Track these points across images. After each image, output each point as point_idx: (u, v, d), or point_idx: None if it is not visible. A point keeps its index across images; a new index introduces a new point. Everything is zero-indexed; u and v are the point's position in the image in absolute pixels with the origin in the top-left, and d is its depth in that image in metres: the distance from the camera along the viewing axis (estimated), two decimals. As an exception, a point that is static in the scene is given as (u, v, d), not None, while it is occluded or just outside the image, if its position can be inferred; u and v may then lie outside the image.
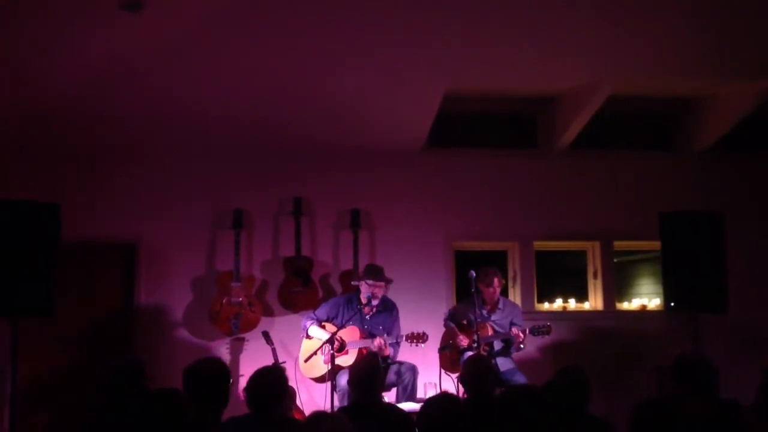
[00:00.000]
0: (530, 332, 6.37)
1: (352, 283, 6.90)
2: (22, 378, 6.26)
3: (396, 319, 6.63)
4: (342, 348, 6.26)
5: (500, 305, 6.76)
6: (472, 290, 6.31)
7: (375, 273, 6.52)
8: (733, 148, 7.85)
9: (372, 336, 6.32)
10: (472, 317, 6.27)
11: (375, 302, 6.43)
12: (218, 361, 4.14)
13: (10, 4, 5.28)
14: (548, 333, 6.44)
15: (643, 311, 7.92)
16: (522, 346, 6.49)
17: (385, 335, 6.29)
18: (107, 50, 6.02)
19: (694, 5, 6.06)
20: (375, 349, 6.19)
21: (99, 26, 5.70)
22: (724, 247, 6.54)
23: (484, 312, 6.68)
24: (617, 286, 8.02)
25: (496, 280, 6.65)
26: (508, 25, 6.09)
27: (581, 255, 8.03)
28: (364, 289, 6.49)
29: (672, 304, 6.65)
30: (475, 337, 6.19)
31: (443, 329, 6.82)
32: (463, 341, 6.46)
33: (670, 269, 6.68)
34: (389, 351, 6.31)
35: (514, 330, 6.40)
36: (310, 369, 6.44)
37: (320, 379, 6.38)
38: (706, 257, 6.50)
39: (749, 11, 6.15)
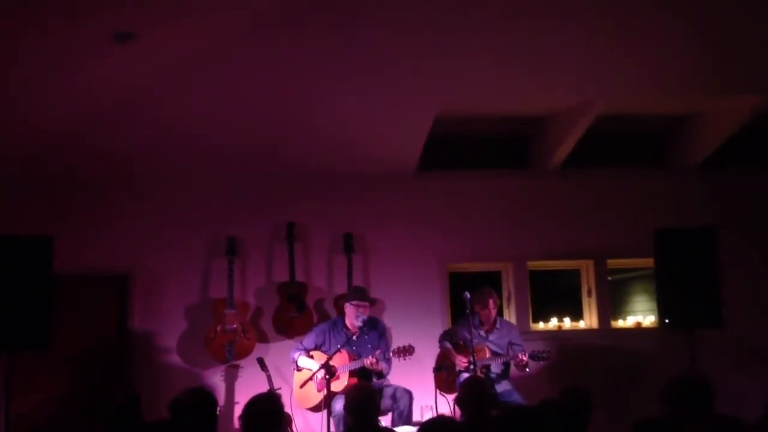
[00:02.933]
0: (530, 357, 6.34)
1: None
2: (16, 411, 6.22)
3: (383, 336, 6.64)
4: (332, 374, 6.22)
5: (498, 325, 6.76)
6: (467, 311, 6.30)
7: (358, 294, 6.55)
8: (725, 163, 7.87)
9: (361, 357, 6.32)
10: (469, 338, 6.26)
11: (358, 323, 6.41)
12: (203, 390, 4.11)
13: (1, 39, 5.30)
14: (547, 359, 6.43)
15: (638, 329, 7.90)
16: (527, 369, 6.47)
17: (376, 351, 6.28)
18: (98, 82, 6.04)
19: (682, 23, 6.11)
20: (367, 366, 6.19)
21: (90, 59, 5.71)
22: (717, 262, 6.57)
23: (482, 332, 6.68)
24: (612, 304, 8.01)
25: (491, 302, 6.66)
26: (499, 47, 6.13)
27: (575, 274, 8.03)
28: (350, 311, 6.48)
29: (666, 320, 6.66)
30: (471, 359, 6.19)
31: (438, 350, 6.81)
32: (462, 362, 6.44)
33: (664, 285, 6.70)
34: (382, 366, 6.30)
35: (520, 356, 6.37)
36: (304, 400, 6.42)
37: (315, 408, 6.36)
38: (699, 272, 6.53)
39: (738, 28, 6.21)
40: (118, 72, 5.92)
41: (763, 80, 6.77)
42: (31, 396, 6.71)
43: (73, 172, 7.03)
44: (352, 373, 6.30)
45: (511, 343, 6.67)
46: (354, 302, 6.49)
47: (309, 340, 6.62)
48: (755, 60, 6.54)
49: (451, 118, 7.19)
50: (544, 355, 6.37)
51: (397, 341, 6.71)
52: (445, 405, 6.29)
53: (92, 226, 7.13)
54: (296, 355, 6.50)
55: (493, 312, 6.70)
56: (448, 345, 6.71)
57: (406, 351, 6.25)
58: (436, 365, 6.64)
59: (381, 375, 6.39)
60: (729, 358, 7.31)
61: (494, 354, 6.55)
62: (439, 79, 6.40)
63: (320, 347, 6.54)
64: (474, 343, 6.29)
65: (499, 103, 7.14)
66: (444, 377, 6.57)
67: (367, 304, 6.54)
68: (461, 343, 6.62)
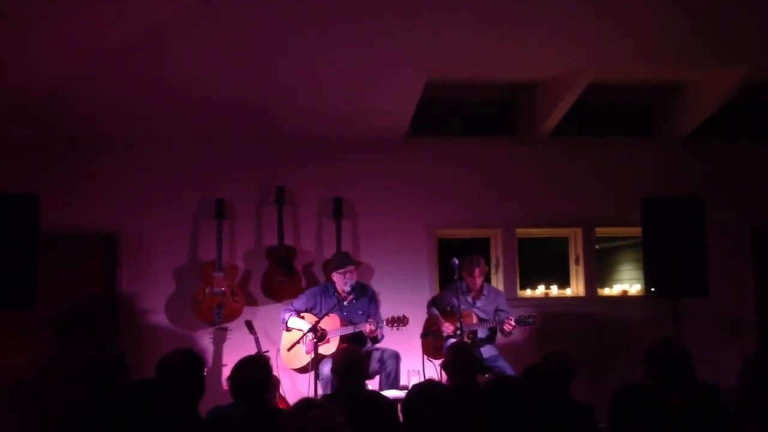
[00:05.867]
0: (516, 322, 6.40)
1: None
2: (0, 369, 6.23)
3: (374, 301, 6.68)
4: (323, 337, 6.28)
5: (485, 292, 6.80)
6: (455, 278, 6.33)
7: (341, 261, 6.57)
8: (714, 133, 7.89)
9: (352, 323, 6.37)
10: (456, 304, 6.30)
11: (347, 288, 6.44)
12: (191, 351, 4.11)
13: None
14: (533, 324, 6.46)
15: (624, 297, 7.97)
16: (512, 335, 6.53)
17: (371, 318, 6.33)
18: (87, 40, 5.96)
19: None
20: (367, 333, 6.24)
21: (79, 15, 5.63)
22: (703, 232, 6.60)
23: (469, 299, 6.72)
24: (599, 273, 8.07)
25: (478, 269, 6.67)
26: (490, 12, 6.08)
27: (563, 241, 8.07)
28: (338, 279, 6.51)
29: (653, 289, 6.71)
30: (458, 324, 6.24)
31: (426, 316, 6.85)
32: (448, 329, 6.49)
33: (650, 254, 6.74)
34: (378, 332, 6.38)
35: (507, 322, 6.41)
36: (292, 360, 6.46)
37: (302, 370, 6.40)
38: (686, 242, 6.57)
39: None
40: (107, 28, 5.84)
41: (753, 52, 6.78)
42: (15, 354, 6.72)
43: (61, 130, 6.96)
44: (343, 339, 6.34)
45: (497, 309, 6.72)
46: (340, 270, 6.50)
47: (300, 302, 6.65)
48: (744, 31, 6.53)
49: (442, 83, 7.16)
50: (530, 320, 6.42)
51: (384, 306, 6.75)
52: (433, 370, 6.35)
53: (80, 184, 7.08)
54: (286, 315, 6.53)
55: (480, 279, 6.73)
56: (436, 311, 6.76)
57: (400, 321, 6.29)
58: (423, 331, 6.69)
59: (376, 340, 6.44)
60: (712, 327, 7.41)
61: (481, 320, 6.60)
62: (430, 44, 6.35)
63: (311, 310, 6.57)
64: (461, 309, 6.33)
65: (490, 68, 7.11)
66: (431, 343, 6.62)
67: (352, 267, 6.54)
68: (448, 309, 6.66)
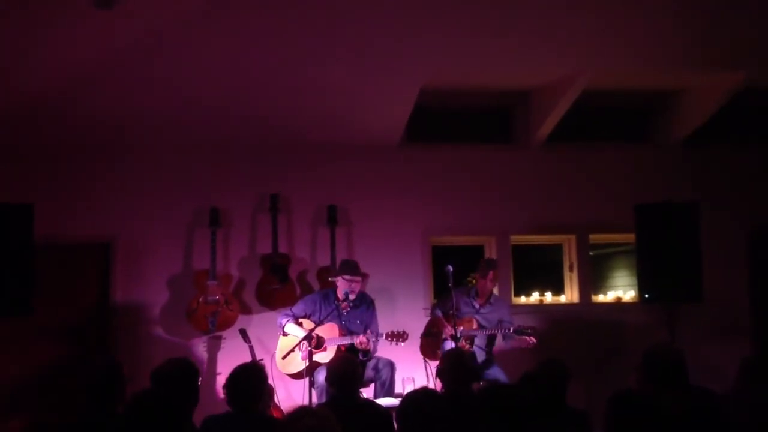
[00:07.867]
0: (514, 331, 6.41)
1: (330, 279, 6.89)
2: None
3: (373, 313, 6.65)
4: (320, 345, 6.26)
5: (492, 300, 6.83)
6: (449, 284, 6.33)
7: (351, 268, 6.53)
8: (708, 139, 7.90)
9: (350, 332, 6.34)
10: (455, 306, 6.31)
11: (352, 297, 6.43)
12: (185, 360, 4.12)
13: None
14: (531, 335, 6.41)
15: (618, 303, 7.98)
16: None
17: (368, 332, 6.29)
18: (80, 49, 5.96)
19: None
20: (356, 344, 6.19)
21: (73, 25, 5.63)
22: (698, 237, 6.61)
23: (476, 305, 6.74)
24: (593, 279, 8.07)
25: (491, 273, 6.75)
26: (484, 19, 6.10)
27: (557, 248, 8.07)
28: (341, 285, 6.48)
29: (646, 295, 6.71)
30: (452, 328, 6.24)
31: (422, 323, 6.86)
32: (449, 331, 6.45)
33: (644, 260, 6.74)
34: (370, 346, 6.32)
35: (529, 339, 6.39)
36: (287, 365, 6.44)
37: (297, 376, 6.39)
38: (680, 248, 6.57)
39: (724, 3, 6.20)
40: (100, 38, 5.84)
41: (748, 57, 6.79)
42: (10, 365, 6.70)
43: (54, 138, 6.96)
44: (339, 348, 6.31)
45: (500, 321, 6.74)
46: (347, 276, 6.47)
47: (299, 308, 6.62)
48: (741, 36, 6.54)
49: (436, 90, 7.16)
50: (528, 331, 6.39)
51: (379, 313, 6.73)
52: (429, 375, 6.34)
53: (75, 192, 7.08)
54: (284, 320, 6.50)
55: (492, 283, 6.76)
56: (440, 313, 6.75)
57: (399, 336, 6.23)
58: (424, 331, 6.71)
59: (367, 354, 6.36)
60: (708, 332, 7.41)
61: (480, 326, 6.59)
62: (424, 51, 6.36)
63: (309, 317, 6.53)
64: (464, 314, 6.40)
65: (484, 75, 7.12)
66: (430, 342, 6.64)
67: (359, 278, 6.52)
68: (451, 312, 6.62)
